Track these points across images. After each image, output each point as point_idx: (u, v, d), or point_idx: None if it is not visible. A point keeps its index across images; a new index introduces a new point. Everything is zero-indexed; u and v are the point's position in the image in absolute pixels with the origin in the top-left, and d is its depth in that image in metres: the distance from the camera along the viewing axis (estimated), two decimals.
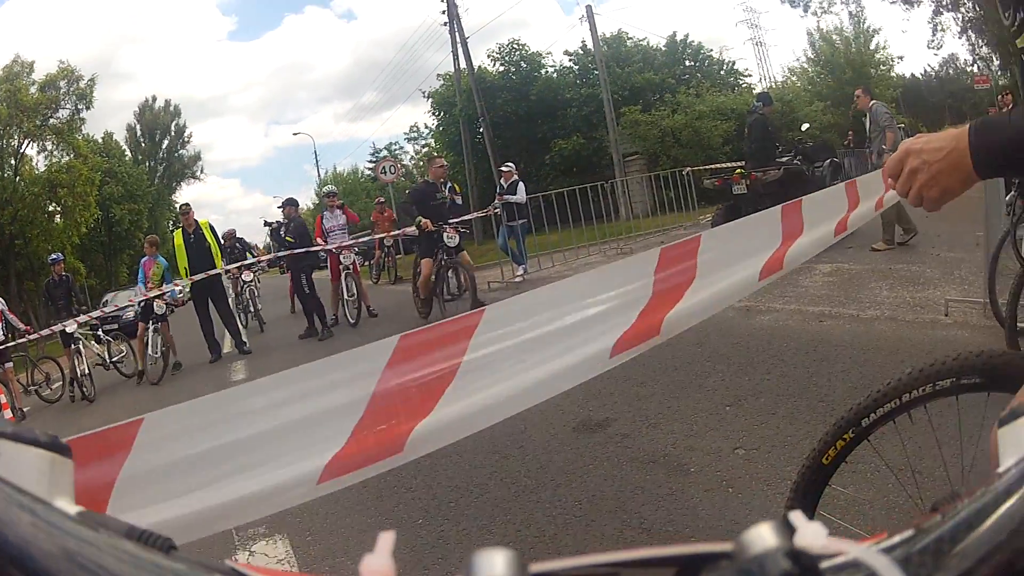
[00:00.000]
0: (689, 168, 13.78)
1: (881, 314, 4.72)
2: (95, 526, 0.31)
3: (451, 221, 7.76)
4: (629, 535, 2.44)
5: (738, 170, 8.33)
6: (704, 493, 2.66)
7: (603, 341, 1.83)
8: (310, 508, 3.20)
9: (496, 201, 10.42)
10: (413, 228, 7.94)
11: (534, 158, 24.17)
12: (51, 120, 25.67)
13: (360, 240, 11.13)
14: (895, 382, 1.37)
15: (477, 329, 1.66)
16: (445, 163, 9.32)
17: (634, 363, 4.44)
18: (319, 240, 9.48)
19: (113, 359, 9.21)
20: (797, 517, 0.31)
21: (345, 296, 9.26)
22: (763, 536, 0.28)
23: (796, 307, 5.32)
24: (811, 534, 0.29)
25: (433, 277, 7.73)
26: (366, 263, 15.46)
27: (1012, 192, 4.83)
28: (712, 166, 14.30)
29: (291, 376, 1.56)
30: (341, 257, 9.19)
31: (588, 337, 1.82)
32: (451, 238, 7.56)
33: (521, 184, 10.34)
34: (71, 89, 26.43)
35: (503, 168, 10.77)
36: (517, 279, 10.21)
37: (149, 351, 8.35)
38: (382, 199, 15.25)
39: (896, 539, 0.30)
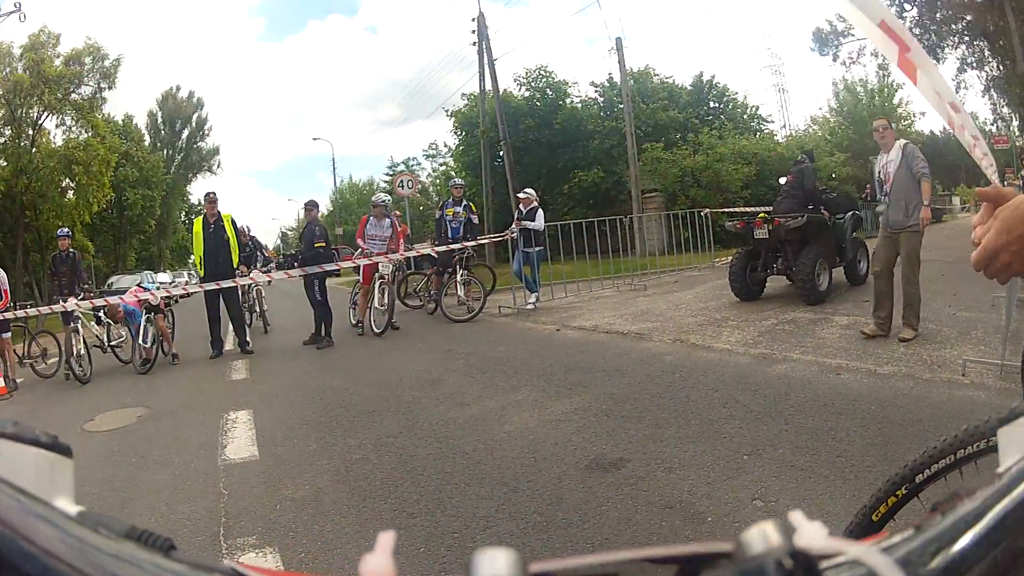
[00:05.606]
0: (708, 210, 13.72)
1: (898, 371, 4.67)
2: (95, 526, 0.30)
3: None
4: None
5: (761, 215, 8.26)
6: None
7: None
8: (303, 523, 3.07)
9: (514, 226, 10.30)
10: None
11: (553, 186, 24.20)
12: (72, 95, 25.21)
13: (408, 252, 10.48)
14: (951, 438, 1.31)
15: None
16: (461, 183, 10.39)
17: (648, 403, 4.41)
18: (358, 241, 9.60)
19: (112, 343, 9.08)
20: (797, 517, 0.30)
21: (376, 304, 9.21)
22: (763, 536, 0.27)
23: (813, 358, 5.24)
24: (811, 534, 0.28)
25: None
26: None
27: None
28: (732, 209, 14.26)
29: None
30: (380, 266, 9.15)
31: None
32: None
33: (540, 211, 10.23)
34: (95, 66, 26.10)
35: (521, 194, 10.63)
36: (529, 306, 10.07)
37: (141, 341, 8.23)
38: (398, 213, 15.09)
39: (896, 539, 0.29)
